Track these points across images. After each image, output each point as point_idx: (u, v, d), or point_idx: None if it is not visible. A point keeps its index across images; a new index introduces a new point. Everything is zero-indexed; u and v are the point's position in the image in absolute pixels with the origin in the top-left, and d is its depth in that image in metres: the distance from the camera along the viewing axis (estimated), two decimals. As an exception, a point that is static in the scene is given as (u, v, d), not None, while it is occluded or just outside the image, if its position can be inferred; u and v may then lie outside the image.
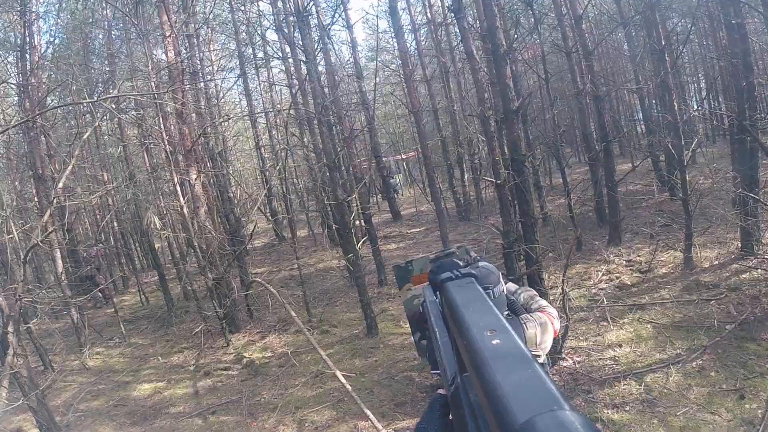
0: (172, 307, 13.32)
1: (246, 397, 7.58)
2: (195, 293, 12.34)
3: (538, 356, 3.14)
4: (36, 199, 13.87)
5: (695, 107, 16.13)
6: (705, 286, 7.56)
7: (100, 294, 15.59)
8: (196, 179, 10.32)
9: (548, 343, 3.15)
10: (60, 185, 6.11)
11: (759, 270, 7.57)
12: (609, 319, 7.04)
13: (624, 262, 9.32)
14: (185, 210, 9.92)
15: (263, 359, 9.07)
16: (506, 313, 3.19)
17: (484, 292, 2.32)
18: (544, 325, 3.14)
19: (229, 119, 16.11)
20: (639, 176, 15.51)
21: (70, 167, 8.34)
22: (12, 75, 13.87)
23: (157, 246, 17.17)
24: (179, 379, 9.00)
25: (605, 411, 5.08)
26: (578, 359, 6.37)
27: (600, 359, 6.14)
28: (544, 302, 3.34)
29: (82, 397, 9.02)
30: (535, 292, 3.44)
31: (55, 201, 7.75)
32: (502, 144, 8.27)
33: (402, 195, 25.01)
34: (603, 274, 8.99)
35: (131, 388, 9.05)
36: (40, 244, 5.30)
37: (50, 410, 5.65)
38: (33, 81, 12.47)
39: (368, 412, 4.01)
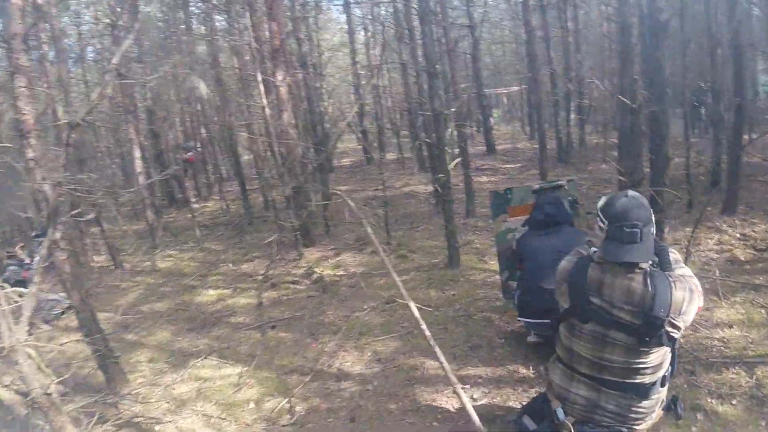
0: (250, 215, 13.37)
1: (310, 314, 7.39)
2: (274, 203, 12.31)
3: (677, 329, 2.67)
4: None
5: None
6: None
7: (182, 195, 16.21)
8: (282, 80, 10.01)
9: (691, 316, 2.70)
10: (116, 60, 5.77)
11: None
12: (720, 295, 6.37)
13: (738, 235, 8.47)
14: (267, 111, 9.78)
15: (334, 277, 8.85)
16: (651, 262, 2.75)
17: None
18: (693, 292, 2.69)
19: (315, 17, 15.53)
20: (758, 149, 14.17)
21: (128, 42, 8.06)
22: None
23: (244, 157, 17.38)
24: (245, 288, 8.99)
25: (709, 400, 4.54)
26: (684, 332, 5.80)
27: (708, 337, 5.53)
28: (688, 270, 2.83)
29: (145, 298, 9.24)
30: (679, 256, 2.93)
31: (107, 76, 7.54)
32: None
33: (498, 130, 24.15)
34: (714, 243, 8.22)
35: (196, 293, 9.13)
36: (81, 122, 5.00)
37: (94, 310, 5.58)
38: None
39: (438, 351, 3.62)
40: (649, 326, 2.64)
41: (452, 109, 10.13)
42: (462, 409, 4.07)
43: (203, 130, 18.85)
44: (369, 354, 6.05)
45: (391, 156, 20.58)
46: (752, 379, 4.77)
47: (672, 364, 2.99)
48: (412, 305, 3.77)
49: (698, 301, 2.72)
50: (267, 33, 10.38)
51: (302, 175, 10.46)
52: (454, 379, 3.29)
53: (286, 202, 10.40)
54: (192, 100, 16.85)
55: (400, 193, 14.66)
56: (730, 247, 8.00)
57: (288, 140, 10.05)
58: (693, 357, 5.13)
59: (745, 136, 14.52)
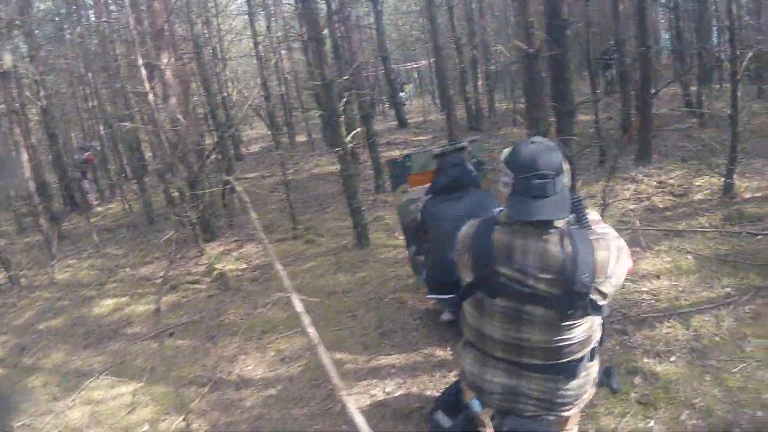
0: (150, 214, 12.57)
1: (210, 316, 6.78)
2: (173, 199, 11.75)
3: (604, 296, 2.19)
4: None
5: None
6: (749, 218, 6.40)
7: (83, 199, 15.26)
8: (167, 63, 9.28)
9: (621, 278, 2.22)
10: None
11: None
12: (643, 245, 5.97)
13: (654, 183, 8.19)
14: (150, 97, 8.86)
15: (236, 272, 8.26)
16: (568, 219, 2.25)
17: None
18: (621, 251, 2.22)
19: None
20: (664, 102, 14.21)
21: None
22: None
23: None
24: (144, 293, 8.24)
25: (645, 360, 4.08)
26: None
27: (636, 292, 5.11)
28: (610, 229, 2.36)
29: (42, 315, 8.39)
30: (597, 215, 2.45)
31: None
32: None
33: (411, 104, 23.81)
34: (631, 194, 7.89)
35: (94, 304, 8.28)
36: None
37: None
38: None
39: (321, 351, 3.01)
40: (571, 295, 2.15)
41: (345, 78, 9.41)
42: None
43: (101, 127, 17.66)
44: (272, 354, 5.50)
45: (301, 138, 19.92)
46: (689, 331, 4.36)
47: (604, 329, 2.48)
48: (295, 298, 3.14)
49: (627, 259, 2.26)
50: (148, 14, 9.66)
51: (197, 164, 9.53)
52: (338, 383, 2.65)
53: (180, 195, 9.74)
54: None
55: (310, 174, 14.07)
56: (648, 196, 7.69)
57: (176, 127, 9.23)
58: (622, 315, 4.69)
59: (653, 90, 14.82)
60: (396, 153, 14.00)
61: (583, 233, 2.20)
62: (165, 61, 9.26)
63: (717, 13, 12.81)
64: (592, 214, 2.38)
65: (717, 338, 4.24)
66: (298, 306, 3.25)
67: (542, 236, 2.19)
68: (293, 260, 8.12)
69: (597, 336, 2.40)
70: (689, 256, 5.67)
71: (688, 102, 12.32)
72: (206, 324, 6.57)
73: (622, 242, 2.27)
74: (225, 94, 15.09)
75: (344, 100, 9.46)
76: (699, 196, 7.44)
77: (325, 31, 8.83)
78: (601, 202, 5.70)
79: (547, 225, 2.18)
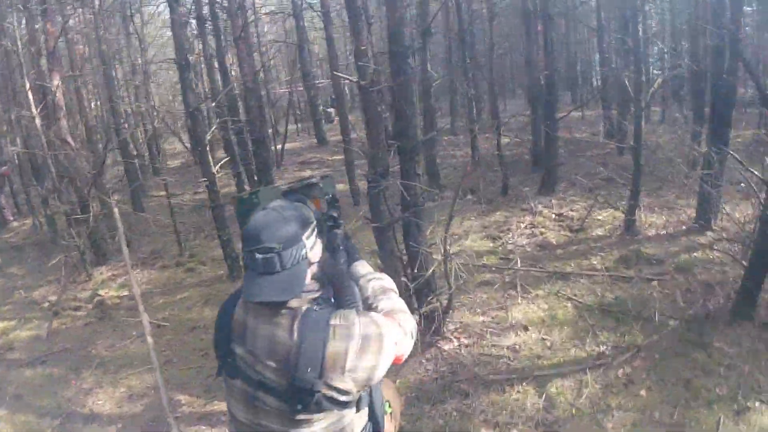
0: (55, 233, 11.73)
1: (80, 346, 6.47)
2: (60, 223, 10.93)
3: (345, 393, 1.78)
4: None
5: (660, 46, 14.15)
6: (647, 260, 5.90)
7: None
8: (57, 85, 8.67)
9: (368, 373, 1.81)
10: None
11: (714, 250, 5.92)
12: (519, 288, 5.37)
13: (553, 216, 7.66)
14: (37, 121, 8.41)
15: (116, 299, 7.77)
16: (317, 299, 1.88)
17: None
18: (367, 340, 1.80)
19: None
20: (588, 124, 13.90)
21: None
22: None
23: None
24: (31, 317, 7.70)
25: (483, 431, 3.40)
26: (466, 341, 4.70)
27: (495, 345, 4.52)
28: (400, 304, 2.08)
29: None
30: (392, 285, 2.18)
31: None
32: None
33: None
34: (526, 227, 7.32)
35: None
36: None
37: None
38: None
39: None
40: (295, 390, 1.79)
41: (213, 104, 8.80)
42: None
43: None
44: (122, 390, 5.31)
45: (220, 154, 19.10)
46: (542, 399, 3.75)
47: (373, 420, 2.08)
48: (148, 335, 3.48)
49: (387, 347, 1.86)
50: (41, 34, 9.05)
51: (86, 187, 8.93)
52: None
53: (66, 218, 9.23)
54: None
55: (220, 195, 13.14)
56: (544, 230, 7.14)
57: (65, 151, 8.65)
58: (472, 374, 4.00)
59: (580, 113, 14.53)
60: (308, 173, 13.28)
61: (322, 319, 1.79)
62: (56, 83, 8.64)
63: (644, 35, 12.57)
64: (381, 281, 2.17)
65: (573, 409, 3.60)
66: (150, 343, 3.46)
67: (273, 318, 1.86)
68: (171, 290, 7.62)
69: (359, 429, 2.02)
70: (569, 304, 5.09)
71: (609, 126, 11.95)
72: (76, 354, 6.24)
73: (378, 329, 1.84)
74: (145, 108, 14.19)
75: (213, 128, 9.11)
76: (598, 232, 6.93)
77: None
78: (442, 254, 4.99)
79: (279, 306, 1.84)
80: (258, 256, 1.81)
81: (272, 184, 5.00)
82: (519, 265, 5.81)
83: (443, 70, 14.78)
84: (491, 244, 6.92)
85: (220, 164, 7.70)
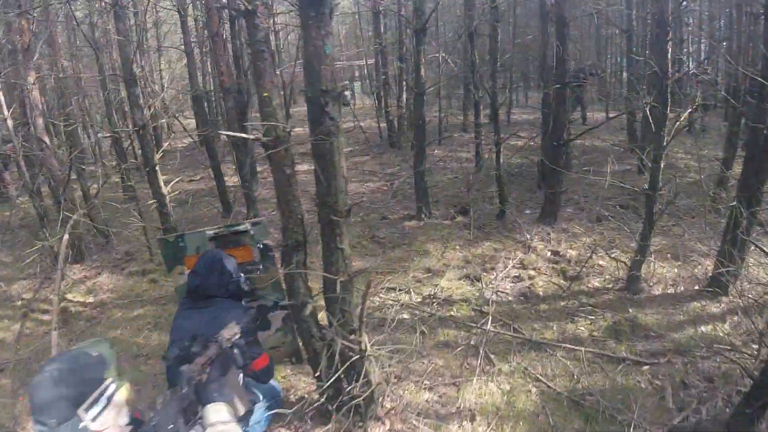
0: (44, 218, 11.20)
1: (36, 357, 5.95)
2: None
3: None
4: None
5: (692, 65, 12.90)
6: (644, 333, 4.94)
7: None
8: (33, 83, 8.26)
9: None
10: None
11: (727, 327, 4.93)
12: (482, 357, 4.49)
13: (548, 254, 6.70)
14: (9, 122, 7.99)
15: (79, 307, 7.18)
16: None
17: None
18: None
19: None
20: (611, 131, 12.73)
21: None
22: None
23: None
24: (3, 316, 7.27)
25: None
26: (399, 427, 3.84)
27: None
28: None
29: None
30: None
31: None
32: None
33: (354, 105, 22.00)
34: (515, 266, 6.41)
35: None
36: None
37: None
38: None
39: None
40: None
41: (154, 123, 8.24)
42: None
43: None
44: None
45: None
46: None
47: None
48: None
49: None
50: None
51: (61, 187, 8.38)
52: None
53: (39, 217, 8.80)
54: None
55: (195, 190, 12.40)
56: (533, 274, 6.21)
57: (42, 150, 8.28)
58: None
59: (604, 115, 13.34)
60: (304, 168, 12.41)
61: None
62: (32, 80, 8.17)
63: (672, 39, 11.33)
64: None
65: None
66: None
67: None
68: (131, 303, 7.02)
69: None
70: (534, 389, 4.19)
71: (632, 135, 10.82)
72: (32, 365, 5.74)
73: None
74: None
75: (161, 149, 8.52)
76: (596, 283, 5.97)
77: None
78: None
79: None
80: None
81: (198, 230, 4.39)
82: (490, 325, 4.92)
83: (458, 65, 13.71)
84: (469, 288, 6.00)
85: (170, 185, 7.21)
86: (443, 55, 12.57)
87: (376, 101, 16.31)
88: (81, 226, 8.84)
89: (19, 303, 7.42)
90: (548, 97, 8.15)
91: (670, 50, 5.33)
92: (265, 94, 3.06)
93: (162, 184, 6.76)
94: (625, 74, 16.44)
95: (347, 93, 20.72)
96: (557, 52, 7.12)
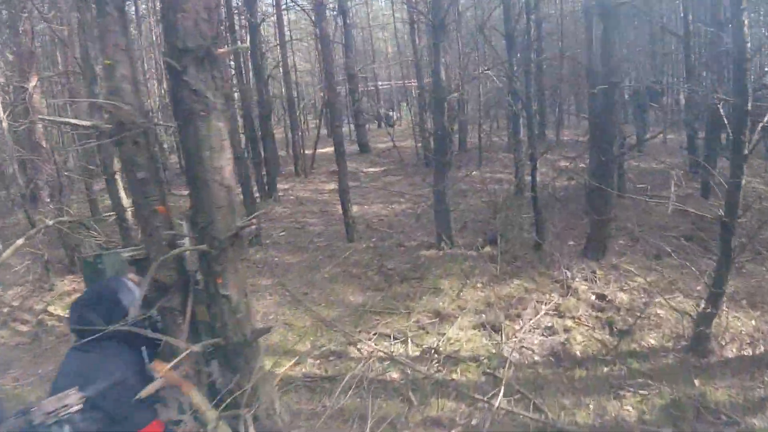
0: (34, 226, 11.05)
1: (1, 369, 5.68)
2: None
3: None
4: None
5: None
6: (712, 417, 3.58)
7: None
8: (34, 86, 8.40)
9: None
10: None
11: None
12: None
13: (592, 298, 5.32)
14: (4, 125, 7.98)
15: (56, 320, 6.84)
16: None
17: None
18: None
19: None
20: (669, 151, 11.16)
21: None
22: None
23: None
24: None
25: None
26: None
27: None
28: None
29: None
30: None
31: None
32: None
33: (396, 126, 21.23)
34: (548, 312, 5.06)
35: None
36: None
37: None
38: None
39: None
40: None
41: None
42: None
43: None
44: None
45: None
46: None
47: None
48: None
49: None
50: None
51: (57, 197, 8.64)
52: None
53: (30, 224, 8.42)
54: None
55: None
56: (571, 325, 4.85)
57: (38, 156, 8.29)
58: None
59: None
60: (331, 186, 11.39)
61: None
62: (33, 83, 8.30)
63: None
64: None
65: None
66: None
67: None
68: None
69: None
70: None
71: (692, 158, 9.13)
72: None
73: None
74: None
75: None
76: (651, 341, 4.60)
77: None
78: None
79: None
80: None
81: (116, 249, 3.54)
82: (501, 398, 3.63)
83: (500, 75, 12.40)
84: (484, 341, 4.70)
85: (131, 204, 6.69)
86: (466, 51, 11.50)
87: (412, 118, 15.46)
88: (81, 237, 8.40)
89: (5, 310, 7.14)
90: (596, 105, 6.76)
91: (746, 23, 4.07)
92: (107, 62, 1.95)
93: (123, 194, 6.54)
94: (682, 95, 14.73)
95: (391, 113, 20.05)
96: (603, 46, 5.82)
